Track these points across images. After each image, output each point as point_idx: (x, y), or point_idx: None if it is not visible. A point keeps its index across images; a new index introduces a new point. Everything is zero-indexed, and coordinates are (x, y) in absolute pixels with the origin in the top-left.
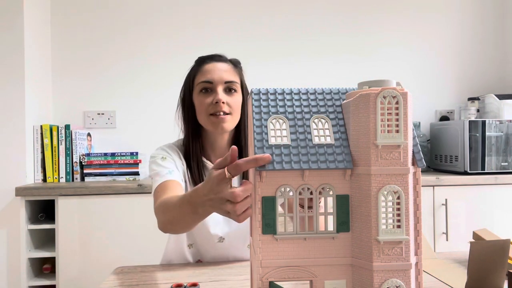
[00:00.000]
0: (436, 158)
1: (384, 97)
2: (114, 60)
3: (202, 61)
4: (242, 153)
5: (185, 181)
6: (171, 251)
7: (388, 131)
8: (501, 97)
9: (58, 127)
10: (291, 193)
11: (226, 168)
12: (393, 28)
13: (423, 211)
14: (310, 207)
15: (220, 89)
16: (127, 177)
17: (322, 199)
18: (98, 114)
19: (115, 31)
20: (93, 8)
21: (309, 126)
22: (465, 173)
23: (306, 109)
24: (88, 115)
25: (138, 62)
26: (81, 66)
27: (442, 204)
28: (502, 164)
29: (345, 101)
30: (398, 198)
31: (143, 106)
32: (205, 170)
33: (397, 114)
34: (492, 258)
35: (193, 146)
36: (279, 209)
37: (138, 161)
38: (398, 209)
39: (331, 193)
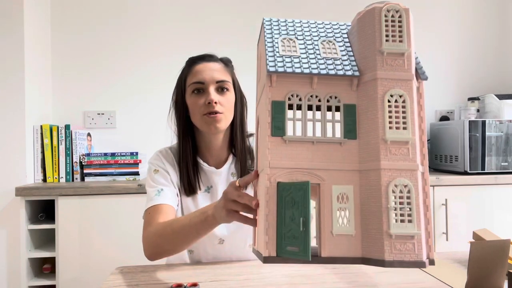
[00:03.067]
0: (436, 158)
1: (388, 11)
2: (114, 60)
3: (192, 62)
4: (238, 150)
5: (178, 190)
6: (171, 260)
7: (393, 40)
8: (501, 97)
9: (58, 127)
10: (300, 100)
11: (238, 179)
12: None
13: None
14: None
15: (212, 89)
16: (127, 177)
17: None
18: (98, 114)
19: (115, 31)
20: (93, 9)
21: (317, 45)
22: (465, 173)
23: (315, 34)
24: (88, 115)
25: (138, 62)
26: (81, 66)
27: (442, 204)
28: (502, 164)
29: (350, 26)
30: (404, 102)
31: (143, 106)
32: (201, 171)
33: (400, 26)
34: (492, 258)
35: (184, 147)
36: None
37: (138, 161)
38: (404, 112)
39: (338, 102)
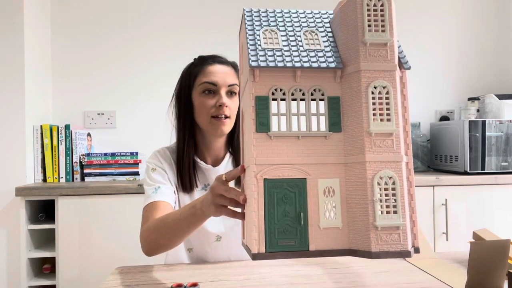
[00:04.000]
0: (436, 158)
1: (370, 0)
2: (114, 60)
3: (204, 61)
4: (237, 150)
5: (176, 188)
6: (171, 260)
7: (375, 30)
8: (501, 97)
9: (58, 127)
10: (283, 94)
11: (224, 173)
12: None
13: (423, 210)
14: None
15: (223, 92)
16: (127, 177)
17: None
18: (98, 114)
19: (115, 31)
20: (93, 8)
21: (300, 36)
22: (465, 173)
23: (296, 24)
24: (88, 115)
25: (138, 62)
26: (81, 66)
27: (442, 204)
28: (502, 164)
29: (332, 15)
30: (387, 93)
31: (143, 106)
32: (199, 171)
33: (382, 15)
34: (492, 258)
35: (187, 145)
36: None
37: (138, 161)
38: (387, 104)
39: (322, 95)
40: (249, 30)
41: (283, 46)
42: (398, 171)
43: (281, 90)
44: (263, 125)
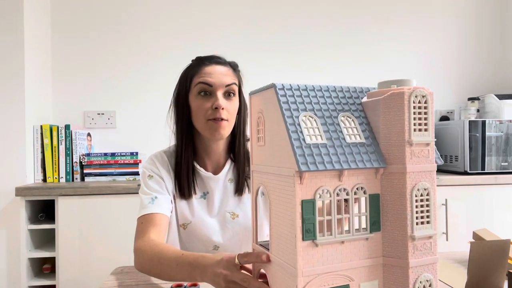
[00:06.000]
0: None
1: (416, 96)
2: (114, 60)
3: (201, 62)
4: (238, 156)
5: (173, 196)
6: None
7: (419, 130)
8: (501, 97)
9: (58, 127)
10: (328, 195)
11: (237, 255)
12: (393, 29)
13: None
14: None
15: (220, 94)
16: (127, 177)
17: (361, 202)
18: (98, 114)
19: (116, 31)
20: (93, 8)
21: (338, 124)
22: (465, 173)
23: (331, 107)
24: (88, 115)
25: (138, 62)
26: (81, 66)
27: (442, 204)
28: (502, 164)
29: (367, 99)
30: (428, 194)
31: (143, 106)
32: (198, 178)
33: (425, 113)
34: (492, 258)
35: (185, 150)
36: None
37: (138, 161)
38: (427, 205)
39: (364, 193)
40: (288, 117)
41: (326, 139)
42: (434, 272)
43: (327, 191)
44: (309, 232)
